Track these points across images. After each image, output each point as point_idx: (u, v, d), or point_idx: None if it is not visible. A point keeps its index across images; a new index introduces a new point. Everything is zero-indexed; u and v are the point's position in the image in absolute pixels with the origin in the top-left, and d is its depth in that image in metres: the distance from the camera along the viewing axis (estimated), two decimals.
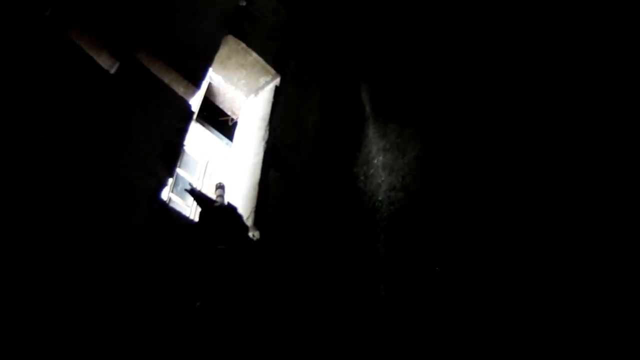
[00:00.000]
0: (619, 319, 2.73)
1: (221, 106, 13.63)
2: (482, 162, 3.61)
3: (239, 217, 3.67)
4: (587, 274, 2.95)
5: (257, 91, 5.29)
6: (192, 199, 3.81)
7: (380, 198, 4.16)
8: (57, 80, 3.27)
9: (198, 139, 6.88)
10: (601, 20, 3.53)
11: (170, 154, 3.83)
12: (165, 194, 5.02)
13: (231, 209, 3.67)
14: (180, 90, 4.19)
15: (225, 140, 14.02)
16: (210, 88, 7.62)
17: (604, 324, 2.77)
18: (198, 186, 8.19)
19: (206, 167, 9.22)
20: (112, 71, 3.84)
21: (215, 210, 3.54)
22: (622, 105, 3.13)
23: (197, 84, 4.26)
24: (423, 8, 5.23)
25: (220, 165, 12.73)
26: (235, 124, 15.25)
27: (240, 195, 4.30)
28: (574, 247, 3.02)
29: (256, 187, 4.16)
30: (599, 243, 2.99)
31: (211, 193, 4.06)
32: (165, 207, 3.77)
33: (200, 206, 3.57)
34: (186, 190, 3.71)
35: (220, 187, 3.89)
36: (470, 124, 3.88)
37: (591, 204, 3.06)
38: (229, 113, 14.05)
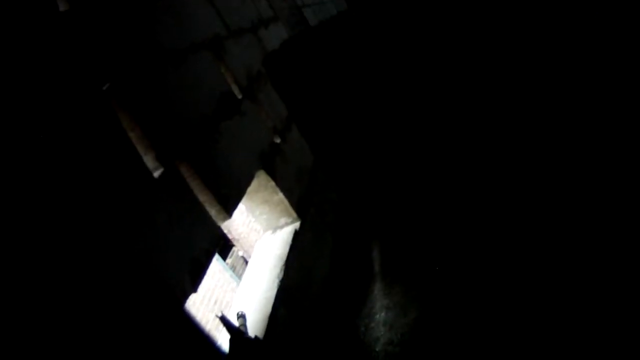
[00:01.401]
0: (618, 319, 2.89)
1: (225, 230, 13.99)
2: (480, 328, 4.01)
3: (264, 350, 3.93)
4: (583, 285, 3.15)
5: (275, 229, 5.73)
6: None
7: (377, 349, 4.47)
8: (99, 162, 3.32)
9: None
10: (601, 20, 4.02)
11: (196, 272, 3.97)
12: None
13: (259, 341, 3.94)
14: (212, 212, 4.39)
15: (217, 255, 14.24)
16: None
17: (603, 324, 2.93)
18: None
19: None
20: (156, 175, 3.96)
21: (247, 342, 3.80)
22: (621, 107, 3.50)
23: (229, 211, 4.47)
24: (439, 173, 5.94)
25: (209, 279, 12.77)
26: (229, 248, 15.52)
27: (249, 326, 4.56)
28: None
29: (266, 320, 4.44)
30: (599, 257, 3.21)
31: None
32: (188, 317, 3.92)
33: (231, 335, 3.83)
34: (217, 316, 3.96)
35: (241, 316, 4.14)
36: (469, 294, 4.35)
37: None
38: (225, 231, 14.36)
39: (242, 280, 5.54)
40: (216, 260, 14.14)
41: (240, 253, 15.30)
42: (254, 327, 4.53)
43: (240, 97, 5.86)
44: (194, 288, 3.95)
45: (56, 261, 2.76)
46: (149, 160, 4.04)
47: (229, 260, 14.97)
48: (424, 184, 6.43)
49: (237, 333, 3.84)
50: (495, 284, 4.30)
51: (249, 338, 3.90)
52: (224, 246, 15.30)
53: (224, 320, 3.90)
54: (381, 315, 4.73)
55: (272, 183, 5.50)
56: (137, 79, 4.21)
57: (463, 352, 3.89)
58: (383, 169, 7.13)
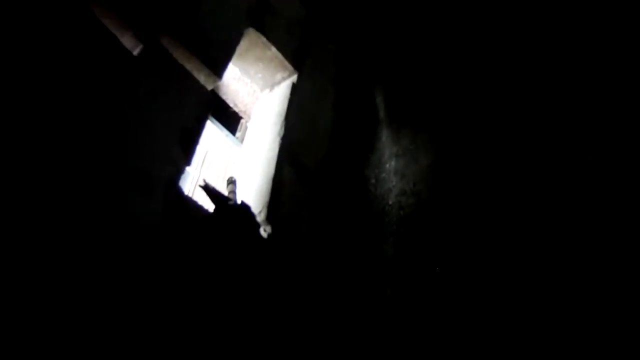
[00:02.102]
0: (618, 319, 2.82)
1: (224, 97, 13.58)
2: (494, 172, 3.71)
3: (253, 216, 3.69)
4: (587, 278, 3.05)
5: (272, 86, 5.33)
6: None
7: (390, 202, 4.24)
8: (78, 56, 3.22)
9: None
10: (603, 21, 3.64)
11: (188, 142, 3.82)
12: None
13: (245, 207, 3.69)
14: (201, 78, 4.19)
15: (226, 131, 13.94)
16: None
17: (604, 325, 2.86)
18: (195, 176, 8.17)
19: (205, 157, 9.19)
20: (135, 53, 3.83)
21: (230, 209, 3.55)
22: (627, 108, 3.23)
23: (218, 74, 4.26)
24: (442, 17, 5.33)
25: (221, 156, 12.71)
26: (236, 116, 15.20)
27: (253, 189, 4.33)
28: (578, 253, 3.12)
29: (270, 182, 4.20)
30: (603, 249, 3.09)
31: (216, 185, 4.07)
32: (181, 195, 3.77)
33: (214, 203, 3.58)
34: (200, 186, 3.71)
35: (232, 182, 3.88)
36: (483, 134, 3.99)
37: (600, 213, 3.16)
38: (231, 105, 14.00)
39: (242, 145, 5.25)
40: (226, 136, 13.87)
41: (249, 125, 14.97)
42: (260, 189, 4.31)
43: None
44: (187, 160, 3.77)
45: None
46: (126, 41, 3.82)
47: (238, 134, 14.67)
48: (427, 25, 5.78)
49: (220, 200, 3.59)
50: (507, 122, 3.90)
51: (234, 204, 3.65)
52: (233, 120, 14.91)
53: (206, 188, 3.63)
54: (391, 164, 4.44)
55: (263, 39, 5.07)
56: None
57: (479, 199, 3.62)
58: (381, 13, 6.44)
